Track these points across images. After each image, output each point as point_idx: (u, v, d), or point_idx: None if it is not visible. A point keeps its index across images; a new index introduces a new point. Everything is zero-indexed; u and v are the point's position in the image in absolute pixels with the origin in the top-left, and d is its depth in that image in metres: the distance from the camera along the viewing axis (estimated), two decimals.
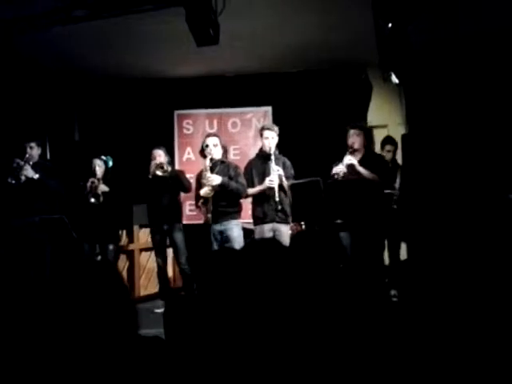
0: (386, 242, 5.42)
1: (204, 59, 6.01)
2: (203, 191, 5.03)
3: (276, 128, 5.13)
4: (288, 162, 5.17)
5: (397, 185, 5.56)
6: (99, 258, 5.54)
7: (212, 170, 5.11)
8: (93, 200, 5.31)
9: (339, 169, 4.68)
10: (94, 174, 5.45)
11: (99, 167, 5.49)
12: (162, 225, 5.44)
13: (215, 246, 5.04)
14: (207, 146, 5.15)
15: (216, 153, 5.17)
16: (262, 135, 5.15)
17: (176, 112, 7.10)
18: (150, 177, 5.34)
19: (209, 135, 5.36)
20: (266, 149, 5.05)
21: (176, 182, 5.44)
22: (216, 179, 4.98)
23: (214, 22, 4.25)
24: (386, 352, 1.74)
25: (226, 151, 5.37)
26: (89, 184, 5.36)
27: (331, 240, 5.18)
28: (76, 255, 5.37)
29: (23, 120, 6.13)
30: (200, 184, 5.15)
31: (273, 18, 5.11)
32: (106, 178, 5.48)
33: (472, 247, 4.65)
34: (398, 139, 6.20)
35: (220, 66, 6.57)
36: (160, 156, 5.46)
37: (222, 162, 5.20)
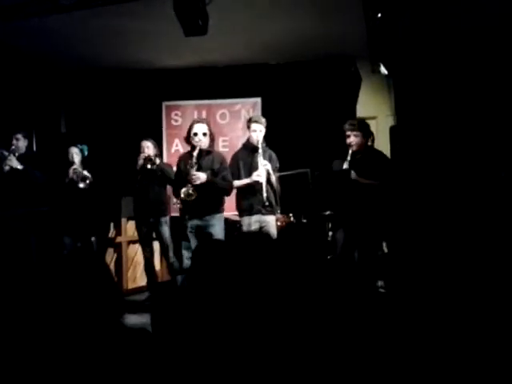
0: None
1: (192, 50, 5.97)
2: (184, 192, 4.67)
3: (263, 120, 5.03)
4: (274, 155, 5.08)
5: None
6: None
7: (197, 160, 4.81)
8: (82, 185, 5.26)
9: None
10: (71, 163, 5.38)
11: (76, 155, 5.42)
12: (149, 218, 5.39)
13: (193, 242, 4.79)
14: (196, 134, 4.84)
15: (204, 142, 4.84)
16: (249, 127, 5.04)
17: (164, 103, 7.05)
18: (138, 169, 5.26)
19: (197, 121, 4.94)
20: (254, 141, 4.95)
21: (163, 175, 5.35)
22: (202, 177, 4.70)
23: (202, 12, 4.21)
24: (375, 343, 1.74)
25: (213, 139, 5.00)
26: (71, 171, 5.31)
27: (319, 232, 5.19)
28: (57, 248, 5.34)
29: (9, 111, 6.07)
30: (180, 171, 4.92)
31: (262, 9, 5.08)
32: (84, 167, 5.43)
33: (460, 238, 4.67)
34: (387, 131, 6.21)
35: (209, 57, 6.53)
36: (148, 148, 5.35)
37: (208, 152, 4.90)
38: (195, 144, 4.81)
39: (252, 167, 4.90)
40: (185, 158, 4.96)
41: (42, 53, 6.18)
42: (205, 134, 4.85)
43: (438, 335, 1.75)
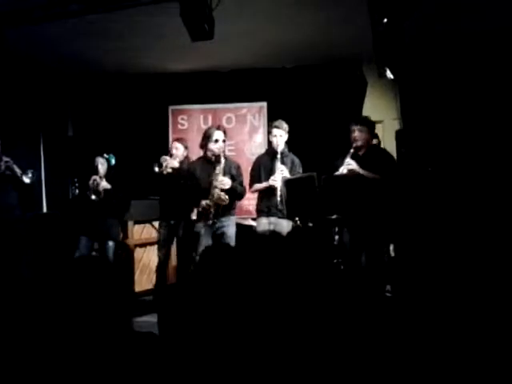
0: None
1: (199, 54, 5.99)
2: (217, 197, 4.87)
3: (285, 126, 5.10)
4: (297, 160, 5.17)
5: None
6: (94, 254, 5.53)
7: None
8: (93, 197, 5.32)
9: (340, 173, 4.66)
10: (96, 172, 5.40)
11: (102, 165, 5.45)
12: (170, 220, 5.44)
13: (207, 242, 4.94)
14: (217, 140, 4.99)
15: (224, 149, 5.12)
16: (270, 133, 5.15)
17: (170, 107, 7.08)
18: (165, 174, 5.22)
19: (216, 128, 5.10)
20: (274, 146, 5.06)
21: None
22: (228, 183, 4.93)
23: (208, 17, 4.22)
24: (381, 346, 1.75)
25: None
26: (90, 182, 5.34)
27: (325, 236, 5.20)
28: (68, 250, 5.36)
29: (16, 115, 6.09)
30: (195, 178, 5.05)
31: (268, 14, 5.09)
32: (108, 176, 5.45)
33: (467, 243, 4.66)
34: (393, 134, 6.21)
35: (215, 62, 6.55)
36: (177, 149, 5.41)
37: (225, 158, 5.11)
38: (217, 151, 4.99)
39: (272, 172, 5.03)
40: (200, 165, 5.12)
41: (48, 57, 6.21)
42: (224, 141, 5.07)
43: (445, 340, 1.75)
